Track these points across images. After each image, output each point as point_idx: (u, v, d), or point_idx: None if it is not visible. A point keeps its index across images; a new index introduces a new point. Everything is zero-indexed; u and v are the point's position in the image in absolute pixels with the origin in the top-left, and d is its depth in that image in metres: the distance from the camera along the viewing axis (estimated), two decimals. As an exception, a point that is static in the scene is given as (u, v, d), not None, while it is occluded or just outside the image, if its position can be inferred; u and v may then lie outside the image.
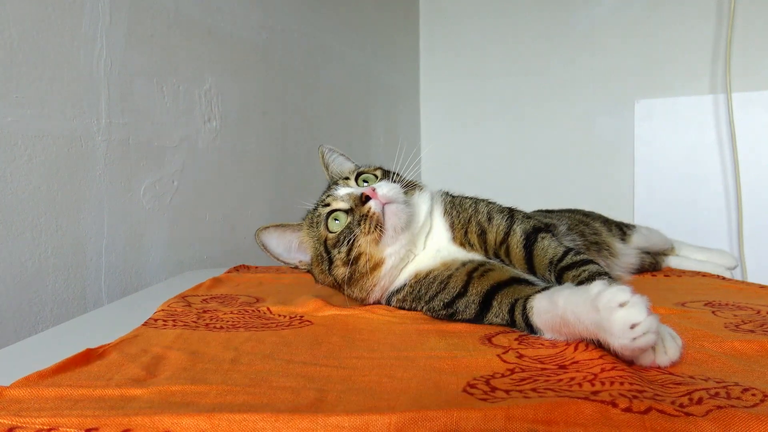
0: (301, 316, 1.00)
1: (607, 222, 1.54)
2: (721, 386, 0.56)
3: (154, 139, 1.59)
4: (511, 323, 0.87)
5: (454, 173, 3.27)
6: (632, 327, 0.61)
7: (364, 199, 0.98)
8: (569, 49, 3.03)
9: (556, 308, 0.75)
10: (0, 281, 1.20)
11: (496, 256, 1.02)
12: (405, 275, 1.03)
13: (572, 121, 3.03)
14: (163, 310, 1.03)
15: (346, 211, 1.01)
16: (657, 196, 2.84)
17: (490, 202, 1.11)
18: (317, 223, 1.05)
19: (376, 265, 1.00)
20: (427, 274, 1.01)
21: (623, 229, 1.56)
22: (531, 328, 0.82)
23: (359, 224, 0.97)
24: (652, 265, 1.61)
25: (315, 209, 1.08)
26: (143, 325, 0.92)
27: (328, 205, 1.04)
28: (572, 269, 0.90)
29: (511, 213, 1.06)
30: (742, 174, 2.63)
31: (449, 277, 0.98)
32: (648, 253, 1.61)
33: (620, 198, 2.90)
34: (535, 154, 3.12)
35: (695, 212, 2.75)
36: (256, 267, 1.61)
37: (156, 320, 0.95)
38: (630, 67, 2.90)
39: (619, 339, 0.62)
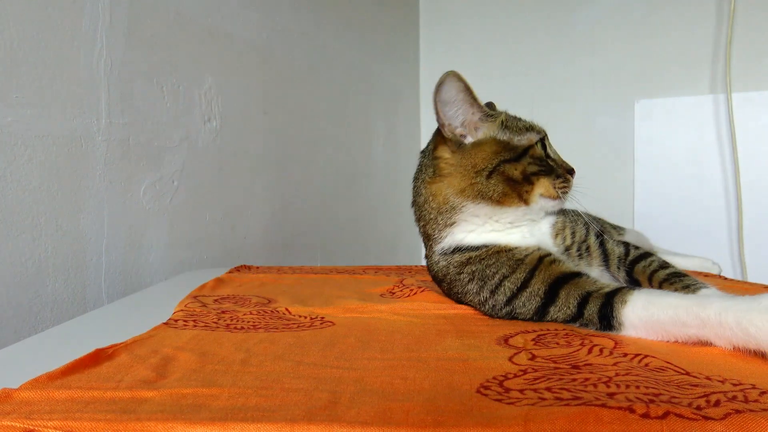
0: (323, 318, 0.99)
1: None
2: (738, 389, 0.56)
3: (154, 139, 1.58)
4: (578, 316, 0.88)
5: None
6: None
7: (572, 172, 1.08)
8: (569, 49, 3.04)
9: (700, 312, 0.74)
10: (0, 281, 1.20)
11: (578, 251, 1.09)
12: (495, 235, 1.05)
13: (572, 121, 3.03)
14: (182, 310, 1.02)
15: (547, 159, 1.06)
16: (657, 196, 2.84)
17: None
18: (514, 139, 1.05)
19: (529, 200, 1.02)
20: (509, 249, 1.02)
21: (616, 228, 1.57)
22: (606, 324, 0.84)
23: (558, 177, 1.04)
24: None
25: (515, 119, 1.10)
26: (164, 324, 0.92)
27: (543, 144, 1.08)
28: (657, 271, 1.03)
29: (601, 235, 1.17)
30: (742, 174, 2.63)
31: (522, 259, 0.99)
32: None
33: (620, 198, 2.90)
34: (535, 154, 3.12)
35: (695, 212, 2.75)
36: (257, 267, 1.60)
37: (177, 320, 0.94)
38: (630, 67, 2.90)
39: None
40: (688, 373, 0.61)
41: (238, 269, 1.54)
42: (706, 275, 1.50)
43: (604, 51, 2.95)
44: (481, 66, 3.25)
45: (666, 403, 0.52)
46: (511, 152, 1.03)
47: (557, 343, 0.77)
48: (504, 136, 1.05)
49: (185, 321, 0.94)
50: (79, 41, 1.36)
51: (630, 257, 1.10)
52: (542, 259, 0.98)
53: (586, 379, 0.60)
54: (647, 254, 1.09)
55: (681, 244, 2.69)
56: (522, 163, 1.02)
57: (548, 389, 0.58)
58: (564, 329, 0.86)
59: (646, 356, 0.67)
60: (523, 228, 1.05)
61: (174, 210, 1.66)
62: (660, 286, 0.99)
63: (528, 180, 1.01)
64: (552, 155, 1.10)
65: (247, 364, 0.70)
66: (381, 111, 3.00)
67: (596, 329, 0.85)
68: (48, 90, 1.29)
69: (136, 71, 1.52)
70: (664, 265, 1.05)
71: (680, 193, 2.79)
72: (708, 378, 0.60)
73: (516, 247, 1.02)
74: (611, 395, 0.55)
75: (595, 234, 1.13)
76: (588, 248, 1.10)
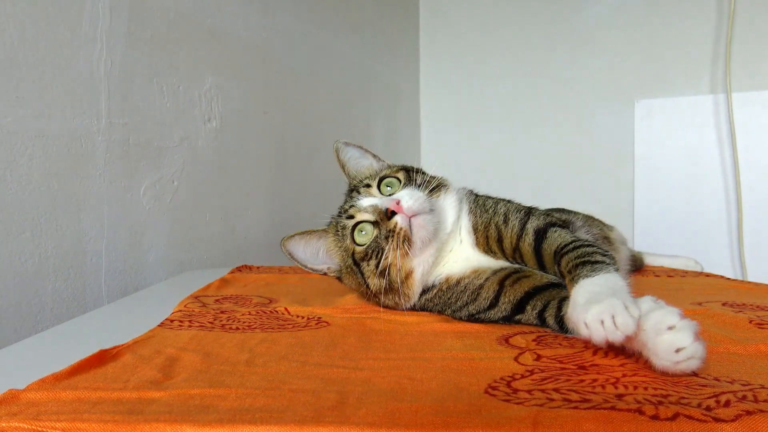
0: (319, 318, 0.99)
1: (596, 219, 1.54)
2: (748, 389, 0.56)
3: (154, 139, 1.58)
4: (541, 324, 0.88)
5: (454, 173, 3.26)
6: (677, 351, 0.61)
7: (390, 214, 0.95)
8: (569, 49, 3.04)
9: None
10: (0, 281, 1.19)
11: (516, 262, 1.00)
12: (435, 278, 1.01)
13: (572, 121, 3.03)
14: (180, 310, 1.02)
15: (372, 223, 0.98)
16: (657, 196, 2.84)
17: (509, 202, 1.07)
18: (343, 235, 1.03)
19: (408, 275, 0.98)
20: (458, 282, 0.99)
21: (606, 226, 1.56)
22: (565, 329, 0.82)
23: (386, 239, 0.95)
24: (641, 261, 1.62)
25: (339, 217, 1.05)
26: (159, 325, 0.91)
27: (352, 216, 1.01)
28: (569, 252, 0.88)
29: (528, 212, 1.03)
30: (742, 174, 2.63)
31: (480, 287, 0.96)
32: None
33: (620, 198, 2.90)
34: (535, 154, 3.12)
35: (695, 212, 2.76)
36: (258, 267, 1.60)
37: (172, 321, 0.94)
38: (630, 67, 2.91)
39: (662, 361, 0.61)
40: (696, 374, 0.61)
41: (239, 269, 1.54)
42: (708, 275, 1.51)
43: (604, 51, 2.96)
44: (480, 66, 3.25)
45: (675, 405, 0.51)
46: (350, 255, 1.03)
47: (560, 344, 0.77)
48: (341, 244, 1.06)
49: (180, 321, 0.93)
50: (79, 41, 1.36)
51: (563, 250, 0.94)
52: (503, 283, 0.95)
53: (594, 380, 0.60)
54: (582, 245, 0.93)
55: (681, 244, 2.70)
56: (355, 268, 1.02)
57: (556, 390, 0.57)
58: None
59: (652, 356, 0.67)
60: (451, 258, 1.02)
61: (174, 210, 1.65)
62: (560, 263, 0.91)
63: (382, 275, 0.97)
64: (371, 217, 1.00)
65: (252, 364, 0.69)
66: (381, 111, 2.99)
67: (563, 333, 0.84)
68: (48, 90, 1.29)
69: (136, 71, 1.52)
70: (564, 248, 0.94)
71: (680, 193, 2.79)
72: (716, 379, 0.59)
73: (462, 277, 1.00)
74: (620, 397, 0.54)
75: (536, 230, 0.99)
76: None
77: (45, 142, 1.28)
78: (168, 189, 1.63)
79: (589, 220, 1.34)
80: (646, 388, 0.57)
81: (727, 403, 0.51)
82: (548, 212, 1.09)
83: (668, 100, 2.82)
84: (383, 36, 3.04)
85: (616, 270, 0.81)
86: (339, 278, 1.08)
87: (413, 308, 1.03)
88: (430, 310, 1.02)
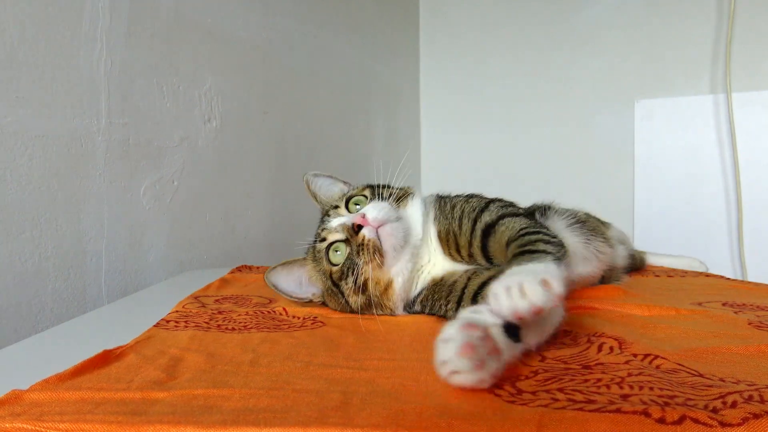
0: (315, 317, 0.99)
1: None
2: (753, 389, 0.55)
3: (154, 139, 1.57)
4: None
5: (454, 173, 3.27)
6: (442, 363, 0.60)
7: (356, 228, 0.97)
8: (569, 49, 3.04)
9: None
10: (0, 281, 1.19)
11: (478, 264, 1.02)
12: (422, 283, 1.03)
13: (572, 121, 3.03)
14: (177, 311, 1.02)
15: (345, 241, 1.00)
16: (657, 196, 2.85)
17: (468, 201, 1.07)
18: (319, 258, 1.04)
19: (387, 286, 0.99)
20: (441, 280, 1.01)
21: (604, 223, 1.55)
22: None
23: (358, 254, 0.97)
24: (641, 261, 1.61)
25: (314, 243, 1.07)
26: (155, 326, 0.91)
27: (324, 239, 1.03)
28: (514, 242, 0.88)
29: (483, 208, 1.03)
30: (742, 174, 2.63)
31: (454, 282, 0.98)
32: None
33: (620, 198, 2.90)
34: (535, 153, 3.12)
35: (695, 212, 2.76)
36: (258, 267, 1.60)
37: (168, 321, 0.94)
38: (630, 67, 2.91)
39: (437, 369, 0.61)
40: (701, 375, 0.61)
41: (239, 269, 1.54)
42: (708, 275, 1.51)
43: (604, 51, 2.96)
44: (481, 66, 3.25)
45: (681, 406, 0.51)
46: (328, 277, 1.04)
47: (563, 343, 0.76)
48: (319, 268, 1.06)
49: (176, 322, 0.93)
50: (79, 41, 1.35)
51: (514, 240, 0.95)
52: (470, 278, 0.97)
53: (599, 380, 0.60)
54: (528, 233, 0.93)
55: (681, 244, 2.70)
56: (335, 289, 1.03)
57: (560, 390, 0.57)
58: (563, 328, 0.84)
59: (656, 357, 0.67)
60: (429, 264, 1.04)
61: (174, 210, 1.65)
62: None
63: (360, 291, 0.98)
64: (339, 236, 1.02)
65: (256, 364, 0.69)
66: (381, 111, 2.99)
67: None
68: (48, 90, 1.28)
69: (136, 71, 1.52)
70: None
71: (680, 193, 2.79)
72: (722, 380, 0.59)
73: (442, 278, 1.02)
74: (625, 397, 0.54)
75: (486, 225, 1.00)
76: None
77: (45, 142, 1.28)
78: (168, 189, 1.63)
79: (583, 217, 1.32)
80: (651, 389, 0.56)
81: (733, 404, 0.51)
82: (509, 204, 1.10)
83: (668, 100, 2.82)
84: (383, 36, 3.04)
85: (558, 258, 0.80)
86: (324, 303, 1.09)
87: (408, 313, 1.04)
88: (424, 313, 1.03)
